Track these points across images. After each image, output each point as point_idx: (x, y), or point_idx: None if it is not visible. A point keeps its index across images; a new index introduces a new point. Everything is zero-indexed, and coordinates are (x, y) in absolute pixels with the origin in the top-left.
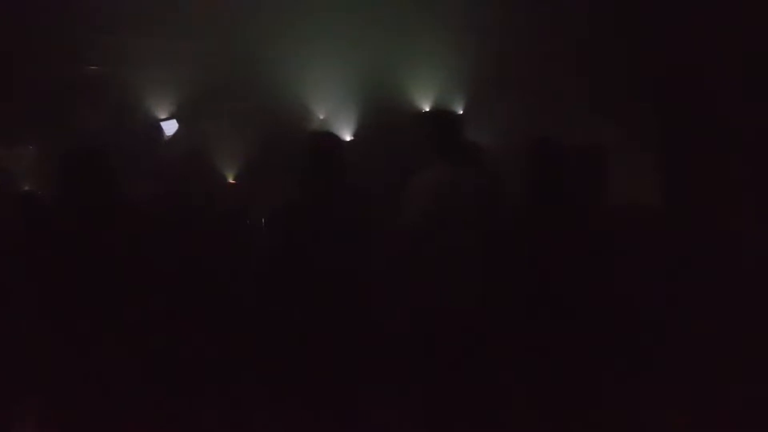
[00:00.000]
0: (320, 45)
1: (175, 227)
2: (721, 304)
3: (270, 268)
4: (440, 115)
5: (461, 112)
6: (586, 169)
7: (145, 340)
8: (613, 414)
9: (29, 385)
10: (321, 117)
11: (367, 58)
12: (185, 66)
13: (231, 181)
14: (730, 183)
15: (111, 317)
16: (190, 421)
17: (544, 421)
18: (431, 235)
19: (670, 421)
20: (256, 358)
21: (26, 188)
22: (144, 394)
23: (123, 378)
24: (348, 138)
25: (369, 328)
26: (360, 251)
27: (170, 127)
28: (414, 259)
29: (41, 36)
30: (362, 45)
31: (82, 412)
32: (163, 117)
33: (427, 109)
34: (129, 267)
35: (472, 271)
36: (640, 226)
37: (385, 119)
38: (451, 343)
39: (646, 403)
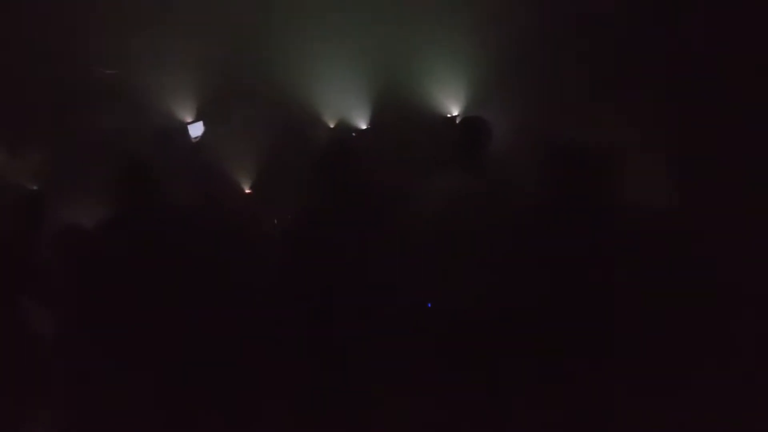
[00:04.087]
0: (336, 48)
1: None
2: (737, 307)
3: (285, 272)
4: (466, 123)
5: (484, 117)
6: (603, 172)
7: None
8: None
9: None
10: (336, 122)
11: (385, 61)
12: (197, 70)
13: (247, 191)
14: (750, 184)
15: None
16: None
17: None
18: (448, 241)
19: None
20: (273, 362)
21: (36, 188)
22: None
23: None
24: (364, 142)
25: (383, 333)
26: (376, 256)
27: (196, 130)
28: (432, 264)
29: (57, 39)
30: (379, 48)
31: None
32: (184, 121)
33: (452, 115)
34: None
35: (489, 276)
36: (657, 228)
37: (404, 123)
38: (470, 352)
39: (660, 404)
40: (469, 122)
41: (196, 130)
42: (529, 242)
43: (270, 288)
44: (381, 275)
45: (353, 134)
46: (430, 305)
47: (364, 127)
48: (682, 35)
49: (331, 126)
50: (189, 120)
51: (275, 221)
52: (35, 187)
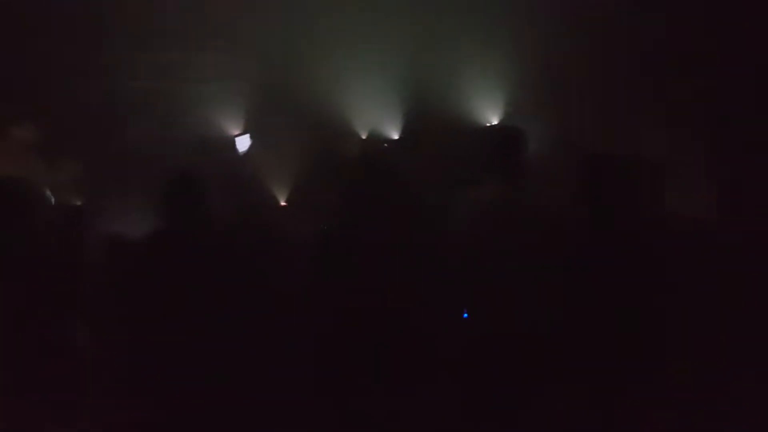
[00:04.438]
0: (367, 56)
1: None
2: None
3: (318, 284)
4: (501, 133)
5: (522, 127)
6: (644, 183)
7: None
8: None
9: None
10: (368, 133)
11: (417, 68)
12: (232, 81)
13: (282, 203)
14: None
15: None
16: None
17: None
18: (484, 253)
19: None
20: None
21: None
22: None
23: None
24: (397, 152)
25: (419, 344)
26: (411, 267)
27: (243, 143)
28: (469, 276)
29: (97, 51)
30: (411, 55)
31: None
32: (230, 133)
33: (489, 124)
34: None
35: (527, 291)
36: (702, 240)
37: (440, 132)
38: (504, 370)
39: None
40: (504, 132)
41: (243, 142)
42: (567, 255)
43: (303, 299)
44: (417, 286)
45: (385, 144)
46: (466, 315)
47: (396, 137)
48: (728, 47)
49: (363, 137)
50: (236, 132)
51: (307, 230)
52: (78, 203)
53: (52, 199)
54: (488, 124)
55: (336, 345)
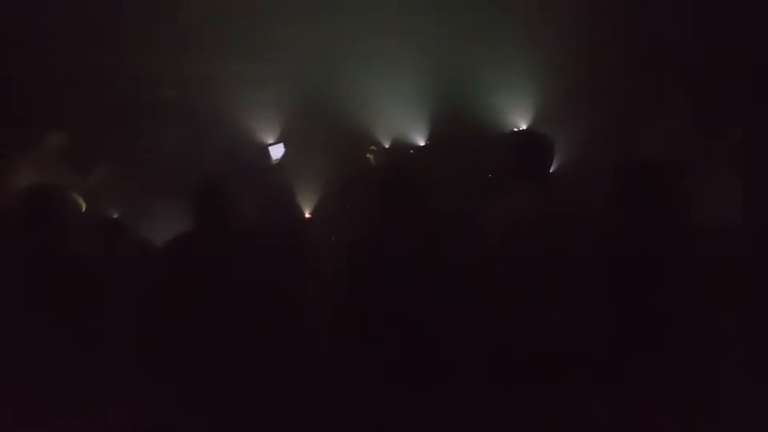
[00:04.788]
0: (393, 61)
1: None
2: None
3: (344, 297)
4: (530, 138)
5: (549, 133)
6: (676, 190)
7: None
8: None
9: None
10: (396, 139)
11: (443, 73)
12: (259, 91)
13: (307, 215)
14: None
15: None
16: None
17: None
18: (513, 261)
19: None
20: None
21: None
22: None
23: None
24: (426, 159)
25: (443, 360)
26: (437, 279)
27: (277, 152)
28: (498, 288)
29: (128, 58)
30: (440, 64)
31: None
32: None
33: (516, 130)
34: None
35: (559, 300)
36: (731, 246)
37: (466, 138)
38: (535, 378)
39: None
40: (531, 137)
41: (277, 151)
42: (598, 261)
43: (329, 312)
44: (444, 294)
45: (411, 151)
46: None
47: (422, 143)
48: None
49: (387, 145)
50: (270, 141)
51: (333, 239)
52: (108, 210)
53: (84, 206)
54: (515, 130)
55: (363, 353)
